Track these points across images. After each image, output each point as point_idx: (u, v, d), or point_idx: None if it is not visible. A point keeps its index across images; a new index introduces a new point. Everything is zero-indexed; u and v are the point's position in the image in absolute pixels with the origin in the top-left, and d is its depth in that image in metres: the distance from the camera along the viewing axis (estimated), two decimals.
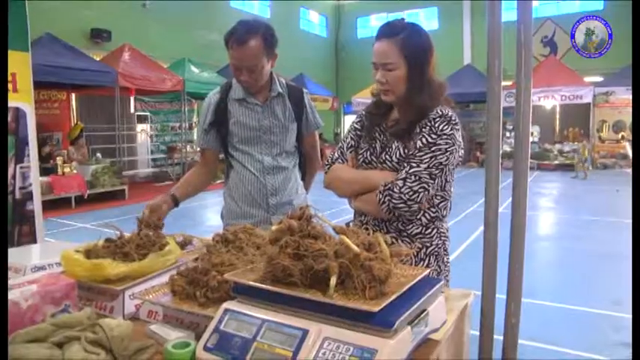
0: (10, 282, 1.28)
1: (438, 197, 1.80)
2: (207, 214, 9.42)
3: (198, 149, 2.62)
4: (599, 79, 17.55)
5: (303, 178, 2.58)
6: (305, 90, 2.55)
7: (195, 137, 16.32)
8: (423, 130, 1.73)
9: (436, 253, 1.84)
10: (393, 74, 1.74)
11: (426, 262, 1.82)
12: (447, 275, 1.89)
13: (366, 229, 1.53)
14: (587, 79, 17.51)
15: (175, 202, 2.33)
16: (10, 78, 2.39)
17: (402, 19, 1.82)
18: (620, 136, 17.98)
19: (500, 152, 1.66)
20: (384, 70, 1.75)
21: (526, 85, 1.59)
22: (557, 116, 20.85)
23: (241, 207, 2.41)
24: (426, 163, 1.67)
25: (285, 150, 2.43)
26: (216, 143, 2.46)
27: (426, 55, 1.76)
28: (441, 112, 1.74)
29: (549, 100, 17.08)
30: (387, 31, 1.75)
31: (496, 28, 1.60)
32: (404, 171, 1.69)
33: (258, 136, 2.38)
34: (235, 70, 2.27)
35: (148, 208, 2.15)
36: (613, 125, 18.08)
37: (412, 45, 1.73)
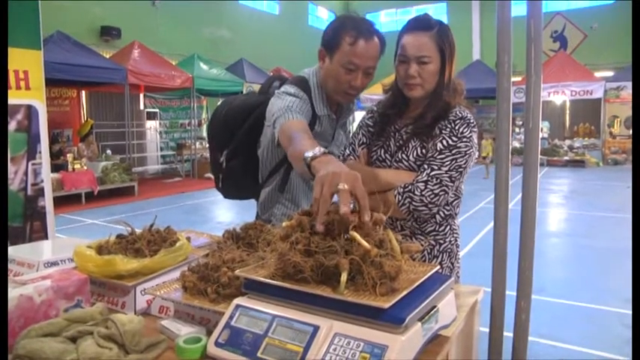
0: (24, 277, 1.29)
1: (452, 196, 1.79)
2: (217, 211, 9.45)
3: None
4: (609, 73, 17.38)
5: None
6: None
7: (204, 134, 16.39)
8: (444, 131, 1.70)
9: (449, 250, 1.84)
10: (427, 68, 1.69)
11: (440, 259, 1.82)
12: (458, 272, 1.89)
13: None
14: (598, 74, 17.34)
15: None
16: (22, 76, 2.42)
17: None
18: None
19: (510, 148, 1.66)
20: (417, 63, 1.69)
21: (536, 82, 1.59)
22: (567, 112, 20.71)
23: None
24: (447, 165, 1.65)
25: None
26: None
27: (455, 50, 1.74)
28: (460, 115, 1.71)
29: (559, 95, 16.93)
30: (422, 24, 1.71)
31: (505, 24, 1.60)
32: (425, 173, 1.66)
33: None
34: (349, 72, 1.88)
35: None
36: (625, 121, 17.89)
37: (446, 39, 1.70)
